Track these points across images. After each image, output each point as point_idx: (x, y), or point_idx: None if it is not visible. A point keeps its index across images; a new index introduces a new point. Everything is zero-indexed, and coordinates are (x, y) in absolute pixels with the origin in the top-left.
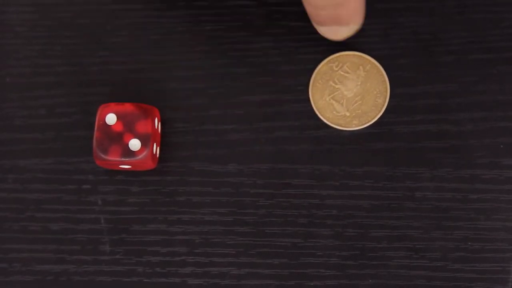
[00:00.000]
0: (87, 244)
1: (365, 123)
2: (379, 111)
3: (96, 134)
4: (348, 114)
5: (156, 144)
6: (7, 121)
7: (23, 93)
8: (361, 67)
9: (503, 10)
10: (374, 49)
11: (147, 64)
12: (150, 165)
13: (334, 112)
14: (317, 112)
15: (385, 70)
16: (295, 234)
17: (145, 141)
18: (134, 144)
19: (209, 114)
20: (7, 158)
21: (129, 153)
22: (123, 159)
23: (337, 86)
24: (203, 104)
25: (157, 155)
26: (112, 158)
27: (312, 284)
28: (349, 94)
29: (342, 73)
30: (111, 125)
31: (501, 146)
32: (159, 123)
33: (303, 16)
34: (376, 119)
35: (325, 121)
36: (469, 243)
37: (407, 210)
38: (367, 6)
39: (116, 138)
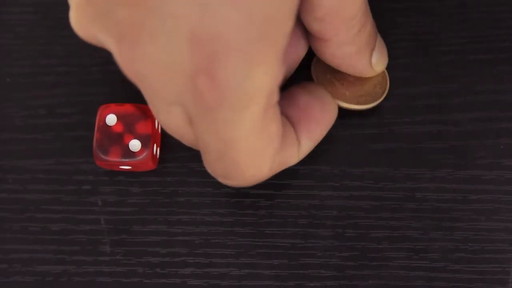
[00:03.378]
0: (87, 245)
1: (365, 104)
2: (379, 98)
3: (96, 134)
4: (347, 93)
5: (156, 145)
6: (7, 121)
7: (23, 93)
8: None
9: (503, 10)
10: None
11: None
12: (150, 165)
13: (335, 88)
14: None
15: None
16: (295, 235)
17: (145, 142)
18: (134, 144)
19: None
20: (7, 159)
21: (130, 153)
22: (123, 159)
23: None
24: None
25: (157, 156)
26: (112, 158)
27: (312, 285)
28: (349, 78)
29: None
30: (111, 126)
31: (502, 147)
32: (159, 124)
33: None
34: (375, 104)
35: None
36: (469, 244)
37: (407, 211)
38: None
39: (116, 139)
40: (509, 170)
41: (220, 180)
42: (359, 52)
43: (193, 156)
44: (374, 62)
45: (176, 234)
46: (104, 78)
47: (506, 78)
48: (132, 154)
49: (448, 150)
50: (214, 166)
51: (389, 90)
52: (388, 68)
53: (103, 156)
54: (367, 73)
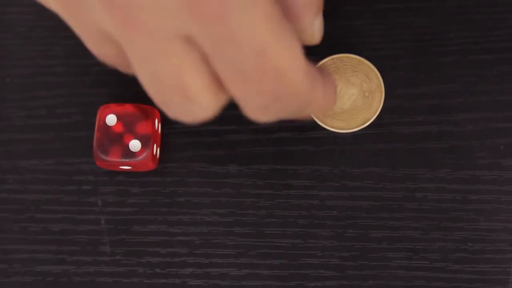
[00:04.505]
0: (87, 245)
1: (362, 125)
2: (374, 113)
3: (96, 135)
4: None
5: (156, 145)
6: (7, 122)
7: (23, 93)
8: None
9: (503, 10)
10: (374, 49)
11: None
12: (150, 166)
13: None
14: None
15: (385, 70)
16: (295, 235)
17: (145, 142)
18: (134, 145)
19: None
20: (7, 159)
21: (129, 154)
22: (123, 160)
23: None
24: None
25: (157, 156)
26: (113, 159)
27: (312, 285)
28: (344, 106)
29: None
30: (111, 126)
31: (502, 147)
32: (159, 124)
33: None
34: (371, 120)
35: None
36: (469, 244)
37: (407, 211)
38: (367, 6)
39: (116, 139)
40: (509, 170)
41: (269, 108)
42: (309, 4)
43: (193, 156)
44: (316, 28)
45: (176, 234)
46: (104, 78)
47: (506, 78)
48: (132, 154)
49: (448, 150)
50: (260, 91)
51: (389, 91)
52: (388, 68)
53: (103, 156)
54: (307, 34)
